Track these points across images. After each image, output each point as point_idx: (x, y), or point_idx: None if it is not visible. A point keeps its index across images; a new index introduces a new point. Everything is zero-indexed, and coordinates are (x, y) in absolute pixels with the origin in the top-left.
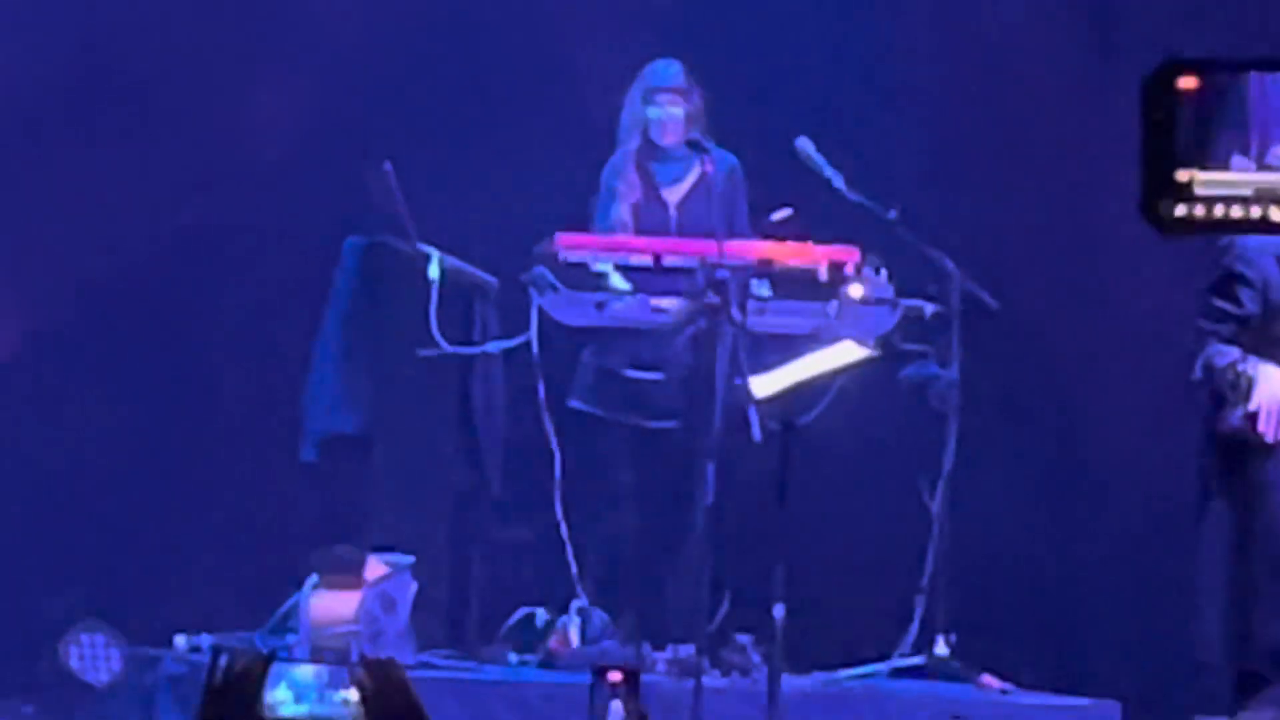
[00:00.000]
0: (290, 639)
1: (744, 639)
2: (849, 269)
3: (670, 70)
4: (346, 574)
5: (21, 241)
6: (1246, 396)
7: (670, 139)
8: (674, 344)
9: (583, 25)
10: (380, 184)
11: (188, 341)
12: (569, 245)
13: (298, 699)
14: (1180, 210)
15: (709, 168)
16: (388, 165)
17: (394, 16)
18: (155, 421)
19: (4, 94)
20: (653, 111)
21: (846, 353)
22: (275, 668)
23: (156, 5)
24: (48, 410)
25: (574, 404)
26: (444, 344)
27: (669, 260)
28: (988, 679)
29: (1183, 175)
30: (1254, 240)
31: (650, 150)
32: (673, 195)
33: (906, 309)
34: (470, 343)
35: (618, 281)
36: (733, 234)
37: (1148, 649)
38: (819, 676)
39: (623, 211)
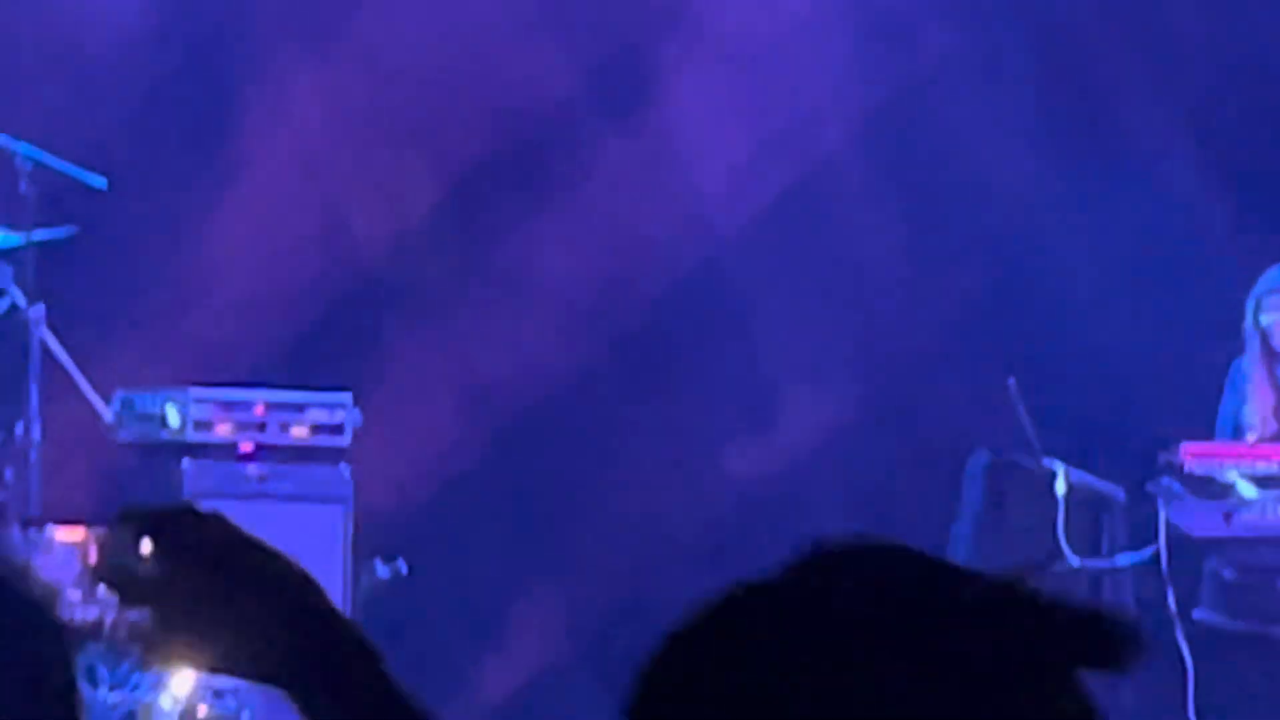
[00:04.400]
0: None
1: None
2: None
3: None
4: None
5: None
6: None
7: None
8: None
9: (1178, 224)
10: (1005, 399)
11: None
12: (1195, 455)
13: None
14: None
15: None
16: (1011, 380)
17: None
18: None
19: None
20: (1264, 318)
21: None
22: None
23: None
24: None
25: (1200, 615)
26: (1073, 558)
27: None
28: None
29: None
30: None
31: (1271, 354)
32: None
33: None
34: (1099, 555)
35: (1245, 490)
36: None
37: None
38: None
39: (1251, 414)
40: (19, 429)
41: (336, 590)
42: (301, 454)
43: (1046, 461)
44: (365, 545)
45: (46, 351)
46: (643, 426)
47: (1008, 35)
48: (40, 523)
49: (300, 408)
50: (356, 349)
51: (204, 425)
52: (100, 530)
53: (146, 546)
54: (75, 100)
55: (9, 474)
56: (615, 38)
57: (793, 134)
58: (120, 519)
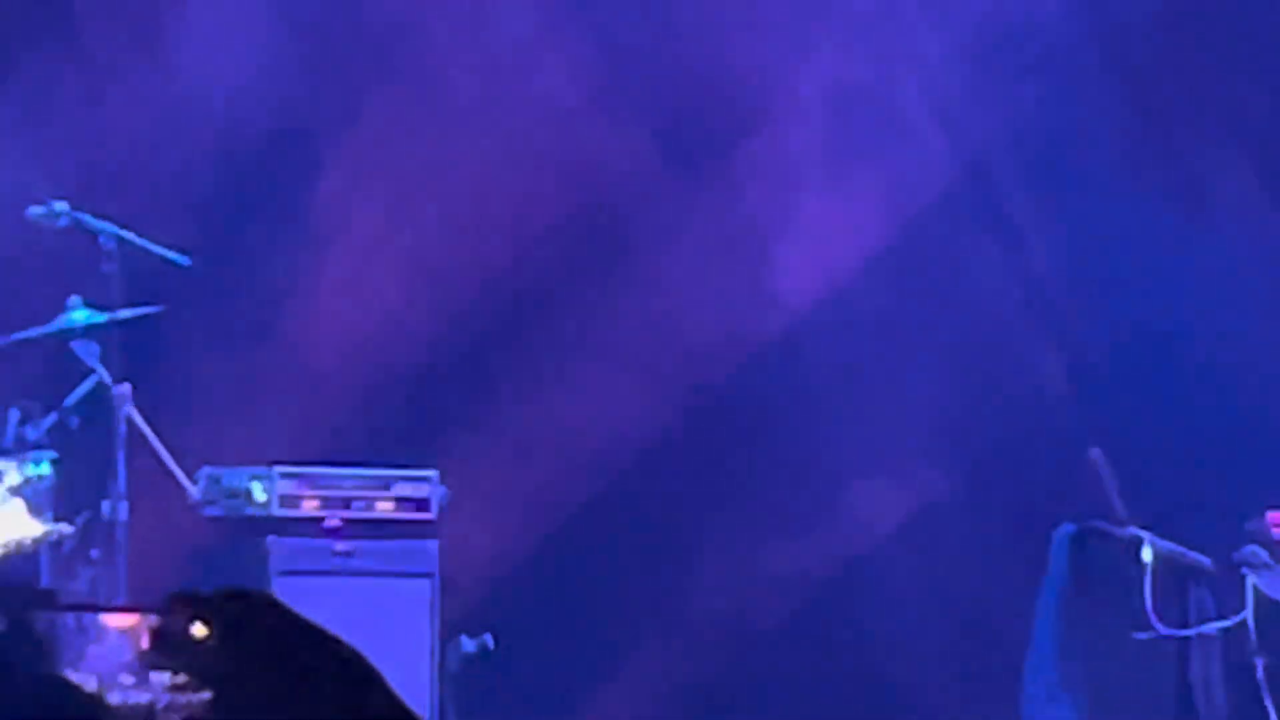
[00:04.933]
0: None
1: None
2: None
3: None
4: None
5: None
6: None
7: None
8: None
9: (1265, 291)
10: (1090, 470)
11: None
12: None
13: None
14: None
15: None
16: (1095, 451)
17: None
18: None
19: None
20: None
21: None
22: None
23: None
24: None
25: None
26: (1160, 627)
27: None
28: None
29: None
30: None
31: None
32: None
33: None
34: (1186, 624)
35: None
36: None
37: None
38: None
39: None
40: (105, 507)
41: (423, 666)
42: (388, 529)
43: (1132, 530)
44: (452, 620)
45: (133, 429)
46: (729, 499)
47: (1104, 96)
48: (93, 609)
49: (386, 483)
50: (441, 424)
51: (290, 501)
52: (153, 616)
53: (199, 630)
54: (158, 179)
55: (96, 553)
56: (693, 106)
57: (876, 203)
58: (172, 604)
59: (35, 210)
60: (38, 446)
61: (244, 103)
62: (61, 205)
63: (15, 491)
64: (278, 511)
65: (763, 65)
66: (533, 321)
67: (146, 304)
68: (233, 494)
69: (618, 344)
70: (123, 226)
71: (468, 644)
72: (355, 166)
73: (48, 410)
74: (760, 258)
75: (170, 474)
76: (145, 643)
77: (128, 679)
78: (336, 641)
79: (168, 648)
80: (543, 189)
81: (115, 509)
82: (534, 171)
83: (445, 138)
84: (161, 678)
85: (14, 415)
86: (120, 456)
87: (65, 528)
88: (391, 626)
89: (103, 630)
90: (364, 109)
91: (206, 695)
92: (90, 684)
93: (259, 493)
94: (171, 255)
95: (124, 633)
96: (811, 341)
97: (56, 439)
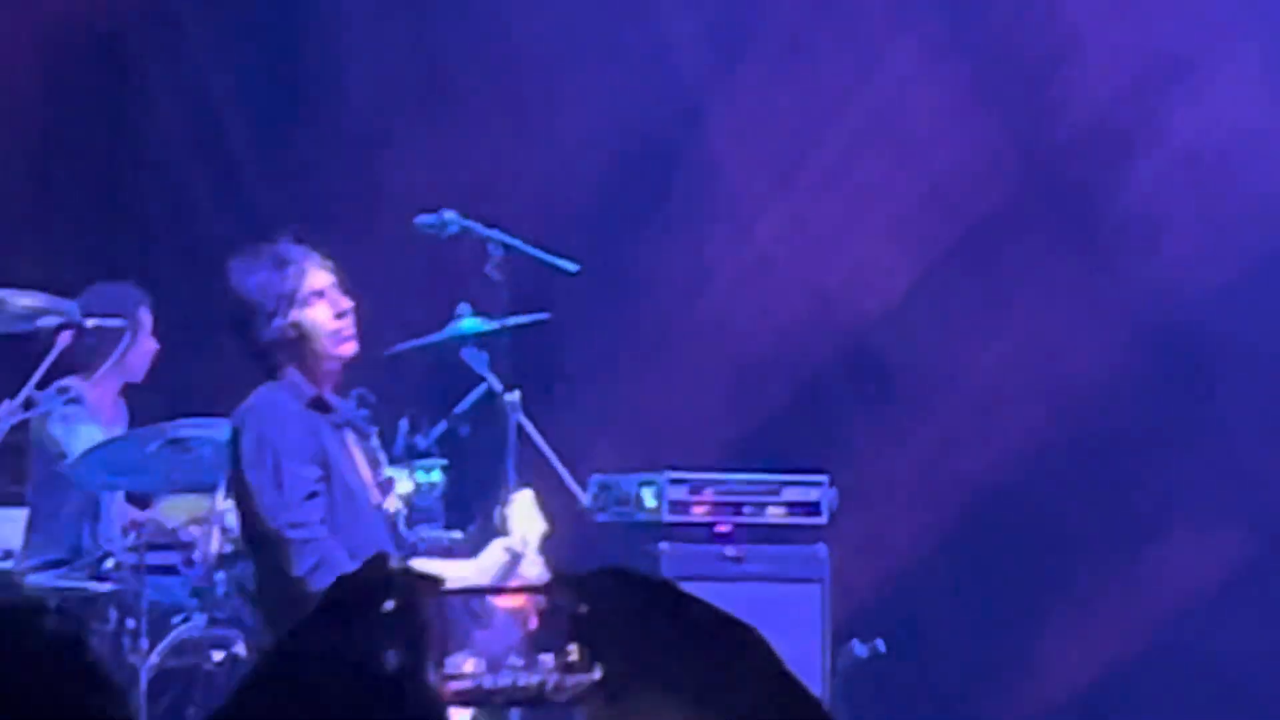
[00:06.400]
0: None
1: None
2: None
3: None
4: None
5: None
6: None
7: None
8: None
9: None
10: None
11: None
12: None
13: None
14: None
15: None
16: None
17: None
18: None
19: None
20: None
21: None
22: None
23: None
24: None
25: None
26: None
27: None
28: None
29: None
30: None
31: None
32: None
33: None
34: None
35: None
36: None
37: None
38: None
39: None
40: (496, 515)
41: (814, 670)
42: (778, 534)
43: None
44: (842, 624)
45: (523, 436)
46: (1113, 508)
47: None
48: (482, 590)
49: (776, 488)
50: (831, 427)
51: (680, 507)
52: (540, 597)
53: (584, 610)
54: (547, 185)
55: None
56: (1066, 130)
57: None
58: (558, 585)
59: (424, 219)
60: (428, 455)
61: (631, 108)
62: (450, 214)
63: (406, 500)
64: (668, 517)
65: (1136, 95)
66: (924, 326)
67: (535, 311)
68: (623, 500)
69: (999, 357)
70: (511, 234)
71: (859, 649)
72: (740, 173)
73: (437, 419)
74: (1127, 288)
75: (560, 481)
76: (533, 624)
77: (516, 661)
78: (728, 617)
79: (556, 628)
80: (935, 198)
81: (504, 516)
82: (922, 183)
83: (830, 147)
84: (549, 658)
85: (404, 424)
86: (510, 464)
87: (456, 535)
88: (782, 631)
89: (491, 612)
90: (752, 117)
91: (596, 674)
92: (480, 666)
93: (649, 499)
94: (559, 262)
95: (512, 614)
96: (1170, 370)
97: (446, 447)
